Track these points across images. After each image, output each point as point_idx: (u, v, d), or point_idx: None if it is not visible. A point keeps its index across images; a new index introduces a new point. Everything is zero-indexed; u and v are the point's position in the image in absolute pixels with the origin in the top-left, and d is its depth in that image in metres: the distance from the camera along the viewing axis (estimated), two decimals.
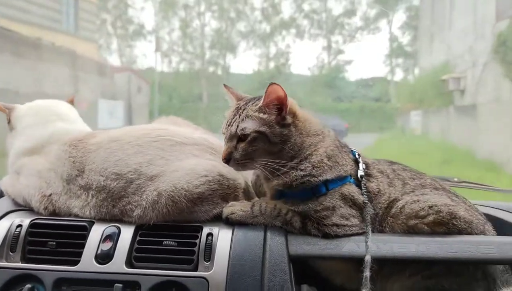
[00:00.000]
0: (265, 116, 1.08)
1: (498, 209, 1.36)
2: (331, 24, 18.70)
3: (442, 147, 10.48)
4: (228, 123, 1.12)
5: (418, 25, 15.93)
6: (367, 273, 0.96)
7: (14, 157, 1.32)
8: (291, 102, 1.11)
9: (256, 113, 1.08)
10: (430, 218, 1.04)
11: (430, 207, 1.05)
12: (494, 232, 1.12)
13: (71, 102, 1.54)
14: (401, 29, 18.90)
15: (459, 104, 11.01)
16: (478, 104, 9.70)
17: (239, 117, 1.09)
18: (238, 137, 1.08)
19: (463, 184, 1.63)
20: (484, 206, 1.41)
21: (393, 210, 1.08)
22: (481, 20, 10.16)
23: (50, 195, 1.20)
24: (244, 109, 1.10)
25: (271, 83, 1.05)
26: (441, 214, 1.04)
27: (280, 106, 1.08)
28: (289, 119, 1.09)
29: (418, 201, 1.06)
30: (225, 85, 1.22)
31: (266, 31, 18.78)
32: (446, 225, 1.04)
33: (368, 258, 0.98)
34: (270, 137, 1.06)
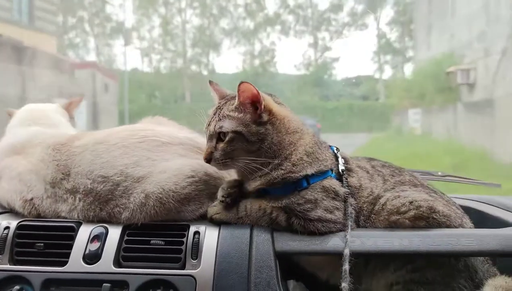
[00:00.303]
0: (240, 115, 1.09)
1: (480, 202, 1.40)
2: (317, 20, 18.05)
3: (449, 148, 8.88)
4: (208, 123, 1.13)
5: (413, 16, 15.01)
6: (346, 266, 0.98)
7: None
8: (267, 99, 1.11)
9: (232, 113, 1.09)
10: (411, 213, 1.07)
11: (411, 203, 1.07)
12: (472, 224, 1.15)
13: (69, 105, 1.60)
14: (389, 25, 18.34)
15: (469, 100, 9.45)
16: (496, 98, 8.13)
17: (217, 117, 1.11)
18: (218, 137, 1.10)
19: (447, 177, 1.66)
20: (466, 199, 1.44)
21: (376, 207, 1.10)
22: (494, 1, 8.83)
23: (32, 199, 1.20)
24: (222, 109, 1.12)
25: (242, 82, 1.07)
26: (421, 209, 1.06)
27: (255, 104, 1.09)
28: (265, 117, 1.09)
29: (399, 197, 1.09)
30: (210, 82, 1.22)
31: (250, 28, 17.91)
32: (426, 219, 1.06)
33: (347, 251, 1.00)
34: (247, 137, 1.08)
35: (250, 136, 1.08)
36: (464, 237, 1.04)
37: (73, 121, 1.60)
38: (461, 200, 1.45)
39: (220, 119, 1.10)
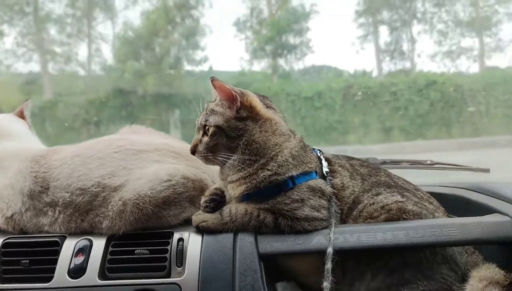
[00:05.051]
0: (222, 110, 1.12)
1: (468, 189, 1.38)
2: None
3: None
4: (199, 116, 1.17)
5: None
6: (328, 265, 0.97)
7: None
8: (251, 96, 1.13)
9: (216, 108, 1.13)
10: (382, 217, 1.09)
11: (382, 208, 1.10)
12: (445, 217, 1.15)
13: (21, 112, 1.55)
14: None
15: None
16: None
17: (206, 111, 1.15)
18: (203, 131, 1.13)
19: (436, 165, 1.65)
20: (455, 187, 1.43)
21: (354, 213, 1.11)
22: None
23: (12, 215, 1.20)
24: (210, 104, 1.16)
25: (212, 78, 1.10)
26: (391, 212, 1.09)
27: (233, 100, 1.11)
28: (243, 113, 1.11)
29: (373, 204, 1.11)
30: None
31: None
32: (397, 220, 1.08)
33: (330, 250, 0.99)
34: (227, 132, 1.10)
35: (230, 132, 1.10)
36: (447, 227, 1.03)
37: (32, 129, 1.56)
38: (449, 189, 1.45)
39: (207, 114, 1.14)
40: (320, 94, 6.13)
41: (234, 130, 1.10)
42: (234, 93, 1.10)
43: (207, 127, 1.12)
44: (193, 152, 1.15)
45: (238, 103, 1.10)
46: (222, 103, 1.12)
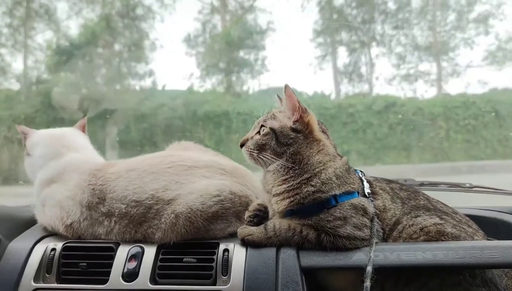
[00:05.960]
0: (281, 117, 1.21)
1: (509, 213, 1.38)
2: None
3: None
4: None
5: None
6: (367, 283, 1.00)
7: (38, 188, 1.42)
8: (311, 116, 1.21)
9: (278, 114, 1.23)
10: (421, 238, 1.11)
11: (421, 229, 1.12)
12: (485, 240, 1.15)
13: (83, 127, 1.65)
14: None
15: None
16: None
17: (268, 114, 1.25)
18: (259, 130, 1.22)
19: (475, 189, 1.65)
20: (494, 210, 1.43)
21: (394, 233, 1.14)
22: None
23: (71, 224, 1.29)
24: (273, 110, 1.26)
25: (286, 86, 1.19)
26: (430, 234, 1.11)
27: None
28: (298, 127, 1.19)
29: (412, 225, 1.14)
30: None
31: None
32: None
33: (369, 268, 1.02)
34: (278, 136, 1.18)
35: (281, 137, 1.18)
36: (488, 249, 1.04)
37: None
38: (489, 212, 1.45)
39: (268, 117, 1.24)
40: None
41: (285, 137, 1.18)
42: (297, 105, 1.19)
43: (262, 127, 1.22)
44: (242, 145, 1.24)
45: (298, 116, 1.19)
46: (284, 112, 1.22)
